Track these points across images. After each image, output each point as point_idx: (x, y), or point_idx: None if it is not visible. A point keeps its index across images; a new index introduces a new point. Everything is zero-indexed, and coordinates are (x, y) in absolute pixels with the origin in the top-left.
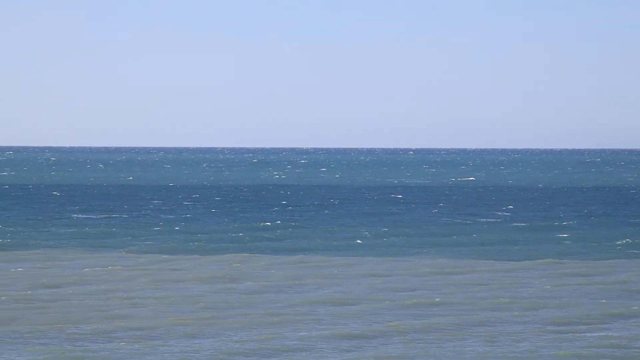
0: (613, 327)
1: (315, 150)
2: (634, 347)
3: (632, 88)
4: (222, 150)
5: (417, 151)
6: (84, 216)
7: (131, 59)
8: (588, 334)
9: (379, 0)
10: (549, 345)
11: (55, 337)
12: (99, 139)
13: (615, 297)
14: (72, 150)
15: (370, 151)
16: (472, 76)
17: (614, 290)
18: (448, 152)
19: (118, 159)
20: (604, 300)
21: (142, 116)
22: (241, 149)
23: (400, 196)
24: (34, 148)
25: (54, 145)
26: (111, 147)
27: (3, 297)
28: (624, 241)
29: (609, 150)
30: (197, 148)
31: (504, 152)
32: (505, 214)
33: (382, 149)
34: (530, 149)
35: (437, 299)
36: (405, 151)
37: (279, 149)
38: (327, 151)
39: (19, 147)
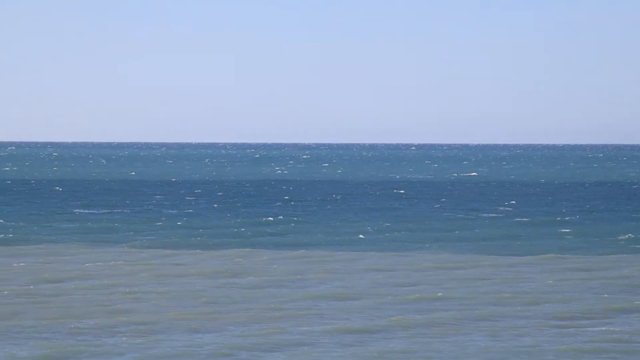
0: (615, 322)
1: (318, 146)
2: (636, 341)
3: (634, 83)
4: (224, 146)
5: (420, 147)
6: (86, 211)
7: (133, 57)
8: (590, 329)
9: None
10: (551, 339)
11: (57, 331)
12: (101, 134)
13: (618, 292)
14: (74, 145)
15: (373, 147)
16: (474, 72)
17: (616, 285)
18: (450, 147)
19: (120, 154)
20: (606, 295)
21: (144, 112)
22: (243, 144)
23: (402, 191)
24: (36, 143)
25: (56, 140)
26: (113, 143)
27: (5, 292)
28: (627, 236)
29: (611, 145)
30: (199, 143)
31: (506, 147)
32: (507, 209)
33: (385, 144)
34: (533, 144)
35: (440, 294)
36: (408, 147)
37: (281, 144)
38: (329, 146)
39: (21, 143)
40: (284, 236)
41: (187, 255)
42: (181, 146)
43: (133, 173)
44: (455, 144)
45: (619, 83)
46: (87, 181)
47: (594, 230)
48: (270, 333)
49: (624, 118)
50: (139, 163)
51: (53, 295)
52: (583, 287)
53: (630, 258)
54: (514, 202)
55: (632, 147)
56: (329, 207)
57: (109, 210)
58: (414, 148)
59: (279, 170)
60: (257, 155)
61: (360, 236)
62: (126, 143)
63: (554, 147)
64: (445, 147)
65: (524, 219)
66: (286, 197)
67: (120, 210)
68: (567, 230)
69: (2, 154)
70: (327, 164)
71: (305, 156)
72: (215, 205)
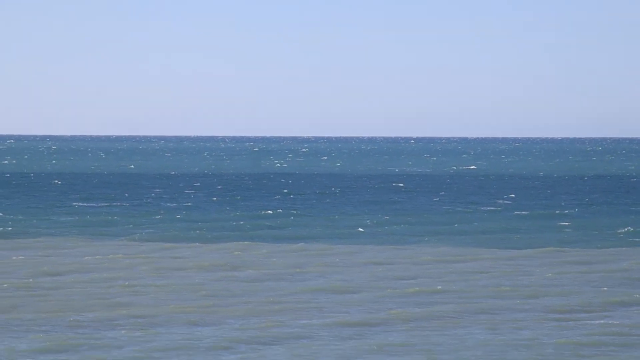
0: (614, 315)
1: (316, 139)
2: (635, 334)
3: (633, 77)
4: (223, 139)
5: (418, 140)
6: (86, 204)
7: (133, 52)
8: (589, 322)
9: None
10: (550, 333)
11: (57, 324)
12: (100, 128)
13: (617, 285)
14: (73, 138)
15: (371, 140)
16: (473, 65)
17: (616, 278)
18: (449, 140)
19: (119, 147)
20: (605, 288)
21: (143, 106)
22: (242, 137)
23: (401, 185)
24: (35, 137)
25: (55, 134)
26: (112, 136)
27: (5, 285)
28: (626, 229)
29: (610, 138)
30: (197, 137)
31: (505, 140)
32: (506, 202)
33: (383, 137)
34: (531, 137)
35: (439, 287)
36: (407, 140)
37: (280, 137)
38: (328, 140)
39: (19, 136)
40: (283, 229)
41: (186, 249)
42: (180, 139)
43: (132, 166)
44: (454, 137)
45: (617, 76)
46: (86, 174)
47: (593, 224)
48: (270, 326)
49: (622, 111)
50: (137, 156)
51: (52, 288)
52: (582, 280)
53: (629, 251)
54: (513, 195)
55: (631, 141)
56: (328, 200)
57: (108, 204)
58: (412, 141)
59: (277, 163)
60: (256, 149)
61: (360, 229)
62: (125, 136)
63: (552, 141)
64: (444, 141)
65: (523, 213)
66: (285, 191)
67: (119, 204)
68: (566, 224)
69: (1, 147)
70: (326, 157)
71: (304, 149)
72: (214, 199)
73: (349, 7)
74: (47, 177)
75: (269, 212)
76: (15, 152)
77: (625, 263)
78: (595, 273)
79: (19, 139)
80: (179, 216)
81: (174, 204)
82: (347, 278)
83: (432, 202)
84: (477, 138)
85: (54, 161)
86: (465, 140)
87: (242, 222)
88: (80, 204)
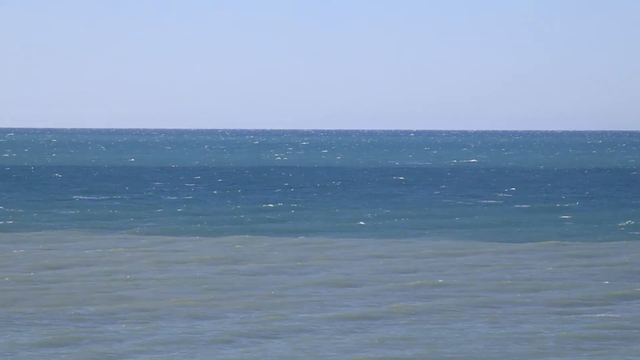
0: (616, 309)
1: (317, 132)
2: (636, 327)
3: (633, 69)
4: (223, 132)
5: (419, 133)
6: (86, 198)
7: (133, 48)
8: (590, 315)
9: None
10: (551, 326)
11: (58, 318)
12: (100, 121)
13: (618, 279)
14: (73, 132)
15: (372, 133)
16: (473, 58)
17: (617, 272)
18: (449, 134)
19: (119, 140)
20: (606, 282)
21: (142, 99)
22: (242, 130)
23: (402, 178)
24: (35, 130)
25: (55, 127)
26: (112, 129)
27: (6, 278)
28: (627, 222)
29: (610, 132)
30: (197, 130)
31: (505, 134)
32: (506, 195)
33: (383, 130)
34: (532, 130)
35: (440, 280)
36: (407, 133)
37: (280, 131)
38: (328, 133)
39: (20, 129)
40: (284, 223)
41: (187, 242)
42: (180, 132)
43: (132, 159)
44: (454, 131)
45: (618, 69)
46: (87, 167)
47: (593, 217)
48: (271, 320)
49: (623, 104)
50: (138, 149)
51: (53, 281)
52: (583, 273)
53: (630, 244)
54: (513, 188)
55: (631, 134)
56: (328, 193)
57: (109, 197)
58: (413, 134)
59: (278, 156)
60: (257, 142)
61: (360, 223)
62: (125, 129)
63: (553, 134)
64: (444, 134)
65: (524, 206)
66: (286, 184)
67: (119, 197)
68: (567, 217)
69: (1, 140)
70: (326, 151)
71: (304, 143)
72: (215, 192)
73: (349, 2)
74: (48, 170)
75: (270, 205)
76: (16, 145)
77: (626, 256)
78: (596, 266)
79: (19, 132)
80: (179, 209)
81: (175, 197)
82: (348, 271)
83: (433, 195)
84: (478, 131)
85: (54, 154)
86: (465, 133)
87: (242, 216)
88: (81, 197)
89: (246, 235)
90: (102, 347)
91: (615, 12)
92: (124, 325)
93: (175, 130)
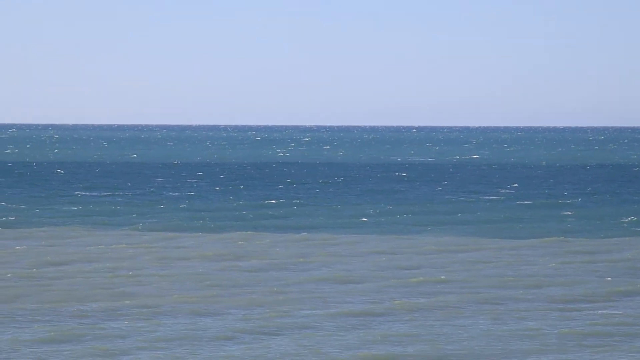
0: (619, 305)
1: (319, 128)
2: (639, 324)
3: (635, 66)
4: (225, 128)
5: (421, 129)
6: (88, 194)
7: (134, 44)
8: (593, 312)
9: None
10: (554, 323)
11: (60, 314)
12: (102, 116)
13: (621, 275)
14: (75, 127)
15: (374, 129)
16: (474, 54)
17: (620, 268)
18: (451, 129)
19: (121, 136)
20: (609, 278)
21: (144, 95)
22: (244, 126)
23: (404, 174)
24: (37, 125)
25: (57, 123)
26: (114, 125)
27: (8, 275)
28: (629, 219)
29: (612, 128)
30: (199, 126)
31: (507, 130)
32: (509, 191)
33: (385, 126)
34: (534, 126)
35: (442, 277)
36: (409, 129)
37: (282, 126)
38: (330, 129)
39: (22, 125)
40: (286, 219)
41: (189, 238)
42: (182, 128)
43: (134, 155)
44: (456, 127)
45: (619, 65)
46: (89, 163)
47: (596, 213)
48: (273, 316)
49: (625, 100)
50: (140, 145)
51: (56, 278)
52: (586, 270)
53: (633, 241)
54: (515, 184)
55: (633, 130)
56: (330, 189)
57: (111, 193)
58: (415, 130)
59: (280, 152)
60: (259, 138)
61: (363, 219)
62: (127, 125)
63: (555, 130)
64: (446, 130)
65: (526, 202)
66: (288, 180)
67: (122, 193)
68: (569, 213)
69: (3, 136)
70: (328, 147)
71: (306, 139)
72: (217, 188)
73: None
74: (50, 166)
75: (272, 201)
76: (18, 141)
77: (629, 253)
78: (599, 263)
79: (21, 127)
80: (182, 206)
81: (177, 194)
82: (351, 268)
83: (435, 191)
84: (479, 127)
85: (56, 150)
86: (467, 129)
87: (245, 212)
88: (83, 193)
89: (248, 232)
90: (104, 344)
91: (617, 8)
92: (126, 322)
93: (178, 126)
